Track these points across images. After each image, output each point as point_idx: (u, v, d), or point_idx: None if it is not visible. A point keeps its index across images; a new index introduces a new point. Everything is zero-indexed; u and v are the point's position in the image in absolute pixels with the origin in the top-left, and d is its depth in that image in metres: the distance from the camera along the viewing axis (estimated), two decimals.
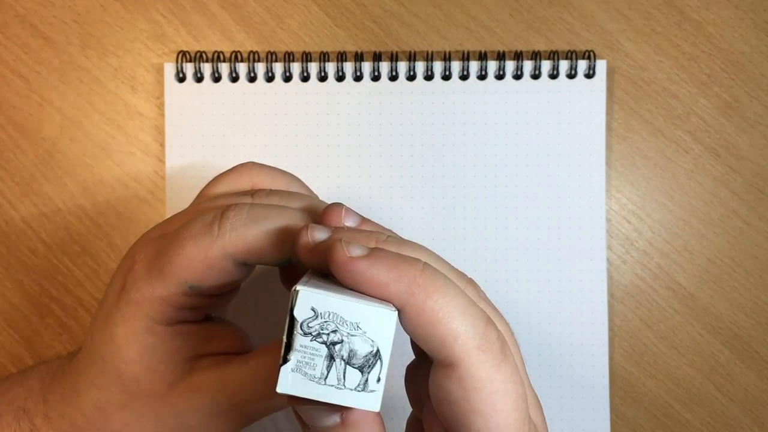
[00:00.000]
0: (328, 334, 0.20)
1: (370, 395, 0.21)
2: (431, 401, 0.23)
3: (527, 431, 0.22)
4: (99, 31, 0.39)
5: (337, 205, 0.25)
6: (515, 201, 0.38)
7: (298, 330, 0.20)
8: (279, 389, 0.21)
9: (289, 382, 0.21)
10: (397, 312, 0.21)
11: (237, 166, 0.30)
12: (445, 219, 0.38)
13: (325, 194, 0.38)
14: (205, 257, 0.25)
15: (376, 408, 0.21)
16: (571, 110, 0.38)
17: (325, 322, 0.20)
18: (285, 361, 0.20)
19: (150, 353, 0.27)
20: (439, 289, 0.21)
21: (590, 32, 0.39)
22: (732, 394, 0.38)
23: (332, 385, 0.21)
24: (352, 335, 0.20)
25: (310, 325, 0.20)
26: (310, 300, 0.20)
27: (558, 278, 0.38)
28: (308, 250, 0.23)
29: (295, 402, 0.22)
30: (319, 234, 0.23)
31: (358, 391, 0.21)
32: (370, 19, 0.39)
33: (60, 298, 0.38)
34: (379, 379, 0.21)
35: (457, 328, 0.21)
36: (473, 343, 0.21)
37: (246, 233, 0.25)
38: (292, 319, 0.20)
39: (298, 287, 0.20)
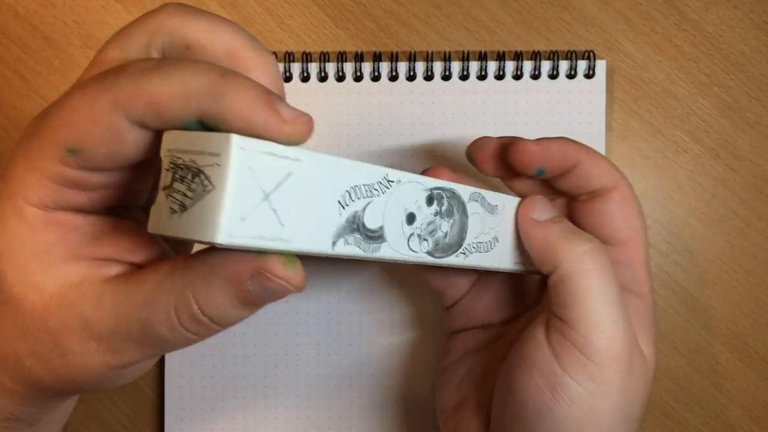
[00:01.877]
0: (181, 166, 0.19)
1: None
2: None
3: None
4: (99, 32, 0.39)
5: None
6: None
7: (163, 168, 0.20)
8: (149, 228, 0.20)
9: (155, 219, 0.20)
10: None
11: (136, 21, 0.23)
12: None
13: None
14: (90, 110, 0.20)
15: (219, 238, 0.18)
16: (570, 110, 0.38)
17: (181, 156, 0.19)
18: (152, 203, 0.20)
19: (18, 245, 0.21)
20: None
21: (590, 32, 0.39)
22: (732, 394, 0.38)
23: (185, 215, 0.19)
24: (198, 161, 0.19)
25: (171, 162, 0.20)
26: (170, 139, 0.20)
27: None
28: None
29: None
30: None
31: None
32: (370, 20, 0.39)
33: None
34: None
35: None
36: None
37: (145, 82, 0.19)
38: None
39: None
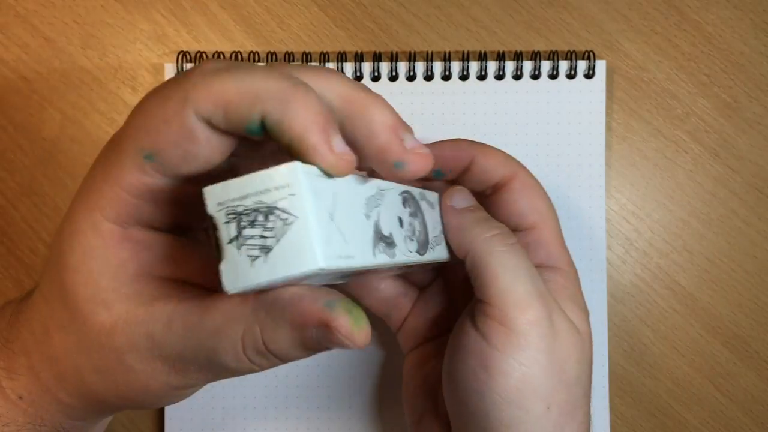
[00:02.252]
0: (244, 214, 0.19)
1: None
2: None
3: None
4: (99, 32, 0.39)
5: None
6: None
7: (220, 224, 0.19)
8: (227, 287, 0.19)
9: (232, 275, 0.19)
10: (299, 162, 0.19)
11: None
12: None
13: None
14: (162, 109, 0.20)
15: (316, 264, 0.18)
16: (570, 110, 0.38)
17: (240, 205, 0.19)
18: (220, 260, 0.19)
19: (91, 260, 0.22)
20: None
21: (590, 33, 0.39)
22: (732, 394, 0.38)
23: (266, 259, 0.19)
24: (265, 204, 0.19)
25: (228, 214, 0.19)
26: (216, 194, 0.19)
27: None
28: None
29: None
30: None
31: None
32: (370, 20, 0.39)
33: None
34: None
35: None
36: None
37: (216, 80, 0.20)
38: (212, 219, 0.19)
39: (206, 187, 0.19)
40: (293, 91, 0.20)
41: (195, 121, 0.20)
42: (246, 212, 0.19)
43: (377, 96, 0.22)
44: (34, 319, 0.24)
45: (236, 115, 0.20)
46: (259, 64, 0.24)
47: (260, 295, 0.21)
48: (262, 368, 0.22)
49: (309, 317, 0.20)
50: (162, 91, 0.21)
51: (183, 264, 0.23)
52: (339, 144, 0.20)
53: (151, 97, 0.21)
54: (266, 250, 0.19)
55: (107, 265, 0.22)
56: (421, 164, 0.22)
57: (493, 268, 0.26)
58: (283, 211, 0.18)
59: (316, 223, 0.18)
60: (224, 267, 0.19)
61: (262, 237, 0.19)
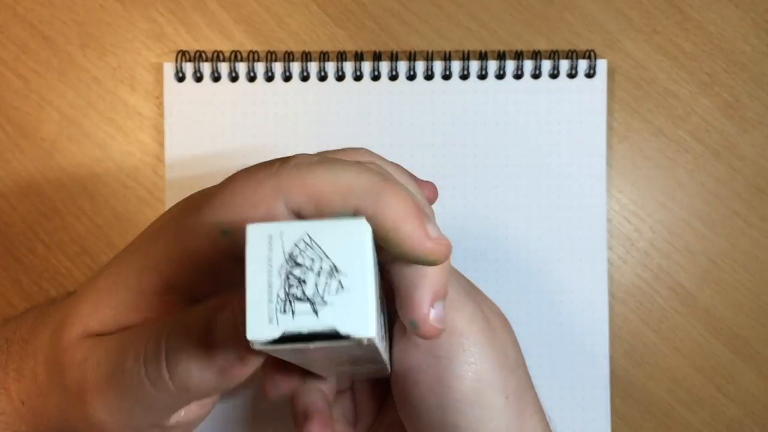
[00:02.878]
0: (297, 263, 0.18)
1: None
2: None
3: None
4: (98, 31, 0.39)
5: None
6: (516, 201, 0.38)
7: (254, 267, 0.18)
8: (251, 336, 0.17)
9: (259, 324, 0.17)
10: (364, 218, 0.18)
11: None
12: (444, 219, 0.38)
13: None
14: (253, 193, 0.20)
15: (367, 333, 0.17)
16: (571, 110, 0.38)
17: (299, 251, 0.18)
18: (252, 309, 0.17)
19: (111, 297, 0.23)
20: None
21: (591, 32, 0.39)
22: (733, 395, 0.38)
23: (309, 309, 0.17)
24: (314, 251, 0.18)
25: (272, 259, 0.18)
26: (262, 234, 0.18)
27: (559, 278, 0.38)
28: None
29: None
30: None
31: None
32: (370, 19, 0.39)
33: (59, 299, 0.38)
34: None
35: None
36: None
37: (310, 174, 0.20)
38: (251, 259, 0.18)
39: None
40: (384, 185, 0.20)
41: (283, 212, 0.20)
42: (296, 261, 0.18)
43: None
44: (51, 323, 0.24)
45: (329, 209, 0.20)
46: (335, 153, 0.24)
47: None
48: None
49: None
50: (256, 174, 0.21)
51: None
52: (434, 230, 0.21)
53: (243, 178, 0.21)
54: (312, 303, 0.17)
55: (125, 305, 0.23)
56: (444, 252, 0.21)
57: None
58: (341, 270, 0.17)
59: (372, 291, 0.17)
60: (252, 315, 0.17)
61: (309, 291, 0.17)
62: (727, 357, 0.38)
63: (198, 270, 0.22)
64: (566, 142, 0.38)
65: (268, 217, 0.20)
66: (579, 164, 0.38)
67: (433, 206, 0.38)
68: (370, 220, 0.19)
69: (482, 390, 0.25)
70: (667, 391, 0.38)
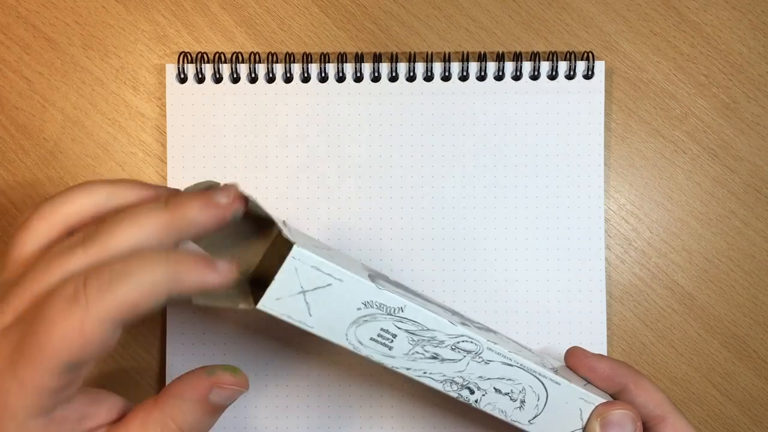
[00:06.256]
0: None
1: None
2: None
3: None
4: (101, 32, 0.39)
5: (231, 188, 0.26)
6: (514, 201, 0.38)
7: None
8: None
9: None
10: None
11: (34, 211, 0.26)
12: (444, 219, 0.38)
13: (326, 194, 0.38)
14: (80, 332, 0.22)
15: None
16: (569, 111, 0.38)
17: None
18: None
19: None
20: None
21: (589, 33, 0.39)
22: (730, 393, 0.38)
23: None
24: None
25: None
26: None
27: (557, 278, 0.38)
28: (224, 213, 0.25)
29: None
30: (222, 198, 0.25)
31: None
32: (370, 21, 0.39)
33: None
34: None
35: None
36: None
37: (117, 292, 0.23)
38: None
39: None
40: (174, 262, 0.24)
41: (112, 329, 0.23)
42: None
43: None
44: None
45: (146, 307, 0.23)
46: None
47: (159, 399, 0.26)
48: None
49: (203, 387, 0.26)
50: (70, 314, 0.23)
51: (90, 418, 0.26)
52: (222, 265, 0.25)
53: (59, 320, 0.23)
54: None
55: None
56: None
57: None
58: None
59: (276, 285, 0.26)
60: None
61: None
62: (724, 355, 0.38)
63: (58, 392, 0.24)
64: (564, 143, 0.38)
65: (103, 339, 0.23)
66: (577, 164, 0.38)
67: (432, 206, 0.38)
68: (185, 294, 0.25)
69: None
70: (665, 389, 0.38)
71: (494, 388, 0.30)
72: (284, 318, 0.26)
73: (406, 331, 0.28)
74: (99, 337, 0.23)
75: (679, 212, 0.39)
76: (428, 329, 0.28)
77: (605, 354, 0.38)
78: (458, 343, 0.29)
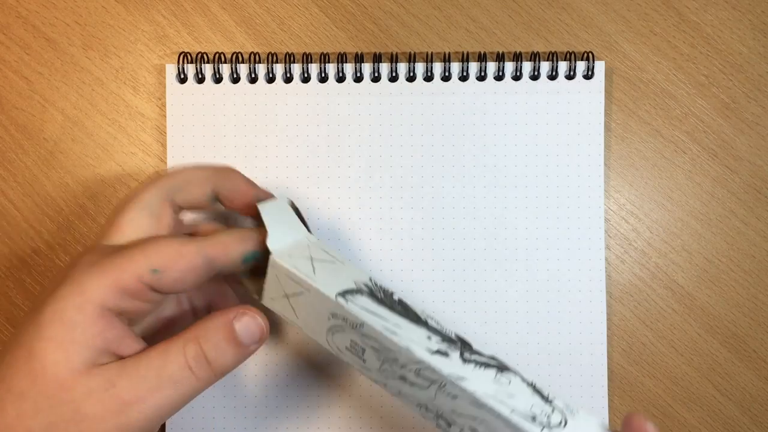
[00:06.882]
0: None
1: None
2: None
3: None
4: (101, 33, 0.39)
5: None
6: (514, 201, 0.38)
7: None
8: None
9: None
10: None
11: (143, 186, 0.31)
12: (444, 219, 0.38)
13: (326, 194, 0.38)
14: (179, 248, 0.27)
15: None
16: (569, 111, 0.38)
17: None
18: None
19: (69, 334, 0.26)
20: None
21: (589, 33, 0.39)
22: (730, 393, 0.38)
23: None
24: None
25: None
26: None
27: (557, 278, 0.38)
28: None
29: None
30: None
31: None
32: (370, 21, 0.39)
33: None
34: None
35: None
36: None
37: (221, 238, 0.29)
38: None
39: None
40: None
41: (201, 265, 0.28)
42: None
43: None
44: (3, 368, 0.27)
45: (235, 256, 0.29)
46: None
47: (195, 324, 0.28)
48: (204, 383, 0.28)
49: (230, 313, 0.28)
50: (179, 238, 0.28)
51: (128, 347, 0.28)
52: None
53: (171, 237, 0.28)
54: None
55: (82, 337, 0.26)
56: None
57: None
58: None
59: (267, 287, 0.30)
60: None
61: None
62: (725, 355, 0.39)
63: (125, 296, 0.27)
64: (564, 143, 0.38)
65: (189, 267, 0.28)
66: (577, 164, 0.38)
67: (432, 206, 0.38)
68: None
69: None
70: (665, 389, 0.38)
71: (470, 428, 0.27)
72: (281, 315, 0.29)
73: (371, 347, 0.28)
74: (188, 260, 0.28)
75: (679, 212, 0.39)
76: (389, 349, 0.27)
77: (605, 354, 0.38)
78: (420, 370, 0.27)
